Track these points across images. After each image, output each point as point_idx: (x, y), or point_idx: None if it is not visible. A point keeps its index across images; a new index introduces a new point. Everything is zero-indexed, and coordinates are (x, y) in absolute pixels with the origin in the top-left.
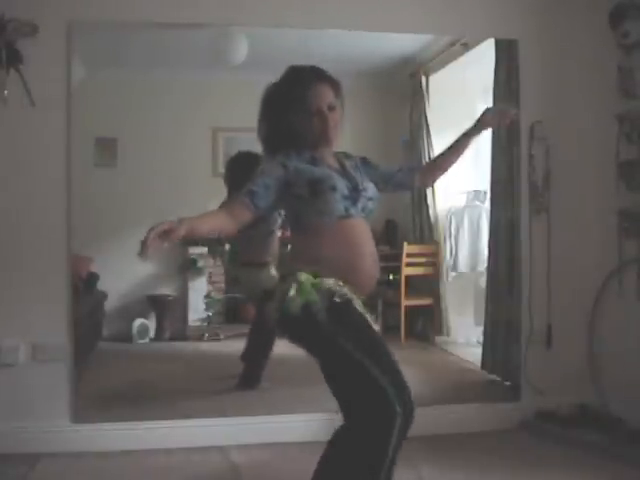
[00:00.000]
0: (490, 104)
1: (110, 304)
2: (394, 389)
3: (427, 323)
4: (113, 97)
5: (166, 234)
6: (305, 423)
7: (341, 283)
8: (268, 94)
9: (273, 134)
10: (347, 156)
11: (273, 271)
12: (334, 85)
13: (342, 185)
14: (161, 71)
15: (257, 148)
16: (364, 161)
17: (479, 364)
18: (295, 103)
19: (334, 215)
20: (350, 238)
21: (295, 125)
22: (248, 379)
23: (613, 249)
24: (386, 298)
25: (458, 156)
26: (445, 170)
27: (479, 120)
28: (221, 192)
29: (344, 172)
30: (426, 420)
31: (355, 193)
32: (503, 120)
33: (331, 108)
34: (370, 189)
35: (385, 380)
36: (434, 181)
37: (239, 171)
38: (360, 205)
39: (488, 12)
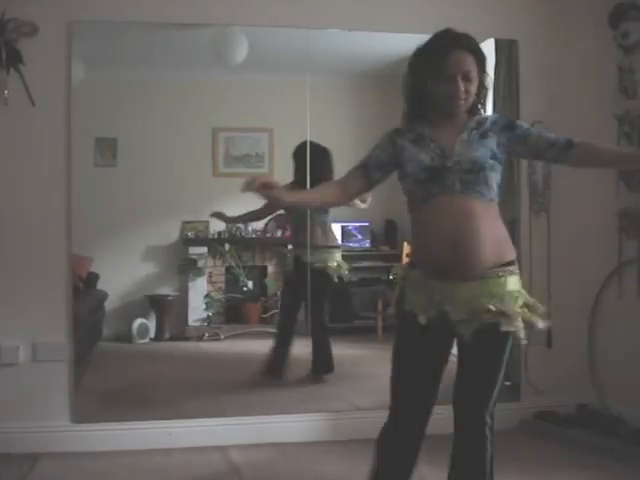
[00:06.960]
0: (490, 104)
1: (110, 304)
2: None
3: None
4: (113, 97)
5: (267, 188)
6: (305, 423)
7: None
8: (411, 58)
9: (410, 98)
10: (479, 123)
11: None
12: (477, 55)
13: (418, 168)
14: (161, 71)
15: (258, 147)
16: (501, 124)
17: None
18: (431, 68)
19: (415, 200)
20: (426, 222)
21: (427, 90)
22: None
23: (613, 249)
24: (386, 298)
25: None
26: (596, 165)
27: None
28: (222, 192)
29: (445, 148)
30: None
31: (437, 172)
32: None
33: (467, 78)
34: (469, 161)
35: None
36: (583, 165)
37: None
38: (450, 182)
39: (488, 12)
